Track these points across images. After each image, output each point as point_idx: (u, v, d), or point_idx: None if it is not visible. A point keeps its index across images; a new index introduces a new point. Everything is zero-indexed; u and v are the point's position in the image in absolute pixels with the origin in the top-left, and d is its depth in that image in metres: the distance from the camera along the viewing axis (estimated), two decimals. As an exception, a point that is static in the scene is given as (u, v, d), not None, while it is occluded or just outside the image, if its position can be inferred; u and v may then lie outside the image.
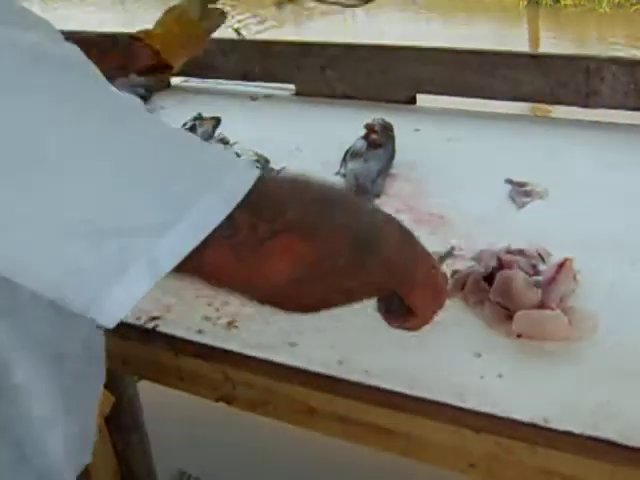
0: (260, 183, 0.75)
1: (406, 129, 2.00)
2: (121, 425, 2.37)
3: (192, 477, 2.52)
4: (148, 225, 0.69)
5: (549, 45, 8.33)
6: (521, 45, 8.38)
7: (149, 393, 2.46)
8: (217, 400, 1.32)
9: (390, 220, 0.91)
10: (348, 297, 0.90)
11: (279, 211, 0.76)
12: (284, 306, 0.86)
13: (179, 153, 0.74)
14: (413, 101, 2.30)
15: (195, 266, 0.73)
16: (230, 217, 0.71)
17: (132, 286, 0.70)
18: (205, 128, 1.94)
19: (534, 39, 9.32)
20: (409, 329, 1.05)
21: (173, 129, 0.77)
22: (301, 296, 0.82)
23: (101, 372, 1.10)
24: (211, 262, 0.73)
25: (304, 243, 0.77)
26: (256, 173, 0.76)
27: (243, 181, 0.74)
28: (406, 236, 0.93)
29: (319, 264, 0.79)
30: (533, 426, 1.06)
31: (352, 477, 2.49)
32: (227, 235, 0.72)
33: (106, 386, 1.96)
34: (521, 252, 1.38)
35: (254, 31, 8.88)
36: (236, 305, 1.36)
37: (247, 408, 1.30)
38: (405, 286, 0.95)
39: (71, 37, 0.81)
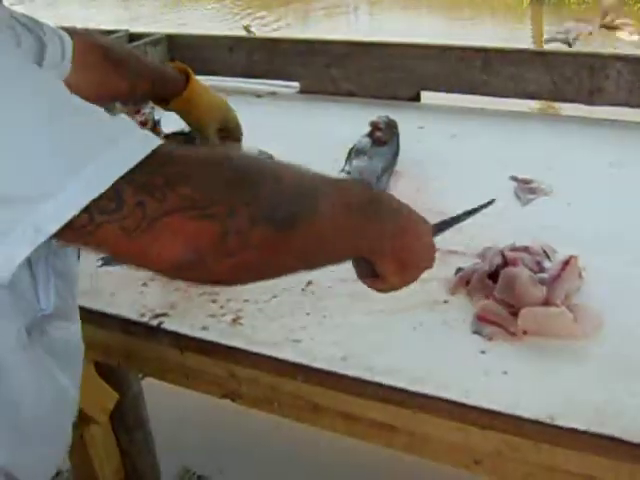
0: (158, 156, 0.73)
1: (410, 126, 2.00)
2: (125, 422, 2.38)
3: (196, 474, 2.52)
4: (30, 193, 0.70)
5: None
6: (525, 43, 8.37)
7: (153, 390, 2.47)
8: (222, 397, 1.32)
9: (330, 193, 0.90)
10: (278, 270, 0.89)
11: (172, 188, 0.73)
12: (197, 282, 0.88)
13: (72, 122, 0.74)
14: (417, 98, 2.30)
15: (85, 238, 0.73)
16: (114, 191, 0.71)
17: (13, 249, 0.71)
18: (209, 125, 1.93)
19: (538, 37, 9.29)
20: (377, 290, 1.08)
21: (75, 99, 0.76)
22: (212, 274, 0.80)
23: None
24: (99, 235, 0.73)
25: (197, 222, 0.74)
26: (152, 144, 0.74)
27: (133, 152, 0.73)
28: (367, 207, 0.94)
29: (221, 243, 0.75)
30: (538, 423, 1.05)
31: (355, 474, 2.49)
32: (111, 210, 0.72)
33: (110, 383, 1.98)
34: (526, 249, 1.37)
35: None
36: (240, 302, 1.36)
37: (252, 405, 1.30)
38: (373, 254, 0.98)
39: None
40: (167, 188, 0.73)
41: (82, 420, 2.26)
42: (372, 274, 1.05)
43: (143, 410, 2.43)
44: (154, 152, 0.73)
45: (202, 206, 0.74)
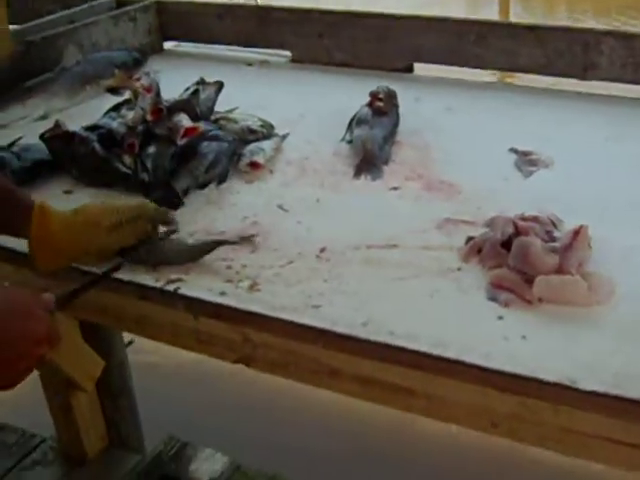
0: None
1: (406, 97, 2.01)
2: (110, 390, 2.38)
3: (180, 441, 2.52)
4: None
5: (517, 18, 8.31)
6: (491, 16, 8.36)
7: (139, 358, 2.48)
8: (235, 362, 1.33)
9: None
10: None
11: None
12: None
13: None
14: (410, 69, 2.31)
15: None
16: None
17: None
18: (208, 92, 1.93)
19: (504, 11, 9.28)
20: None
21: None
22: None
23: None
24: None
25: None
26: None
27: None
28: None
29: None
30: (558, 386, 1.08)
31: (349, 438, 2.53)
32: None
33: (96, 350, 1.98)
34: (535, 219, 1.40)
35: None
36: (256, 268, 1.37)
37: (267, 369, 1.32)
38: None
39: None
40: None
41: (68, 387, 2.27)
42: None
43: (128, 377, 2.44)
44: None
45: None
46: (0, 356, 1.06)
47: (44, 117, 2.05)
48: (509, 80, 2.57)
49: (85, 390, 2.30)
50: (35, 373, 2.15)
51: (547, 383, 1.09)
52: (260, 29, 2.48)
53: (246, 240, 1.45)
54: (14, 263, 1.47)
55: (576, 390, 1.08)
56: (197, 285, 1.35)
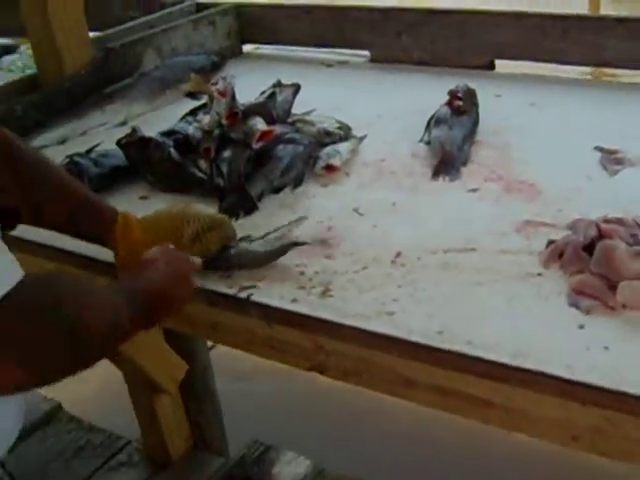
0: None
1: (487, 95, 1.96)
2: (194, 393, 2.39)
3: (264, 445, 2.52)
4: None
5: (610, 9, 8.10)
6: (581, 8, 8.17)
7: (222, 362, 2.48)
8: (309, 369, 1.31)
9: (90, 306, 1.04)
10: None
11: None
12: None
13: None
14: (492, 67, 2.25)
15: None
16: None
17: None
18: (285, 95, 1.91)
19: (594, 5, 9.05)
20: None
21: None
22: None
23: None
24: None
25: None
26: None
27: None
28: (115, 298, 1.10)
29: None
30: (643, 399, 1.03)
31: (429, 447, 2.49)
32: None
33: (179, 354, 1.99)
34: (619, 221, 1.34)
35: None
36: (329, 273, 1.35)
37: (340, 377, 1.29)
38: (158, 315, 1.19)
39: None
40: None
41: (153, 390, 2.29)
42: None
43: (212, 381, 2.45)
44: None
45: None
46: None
47: (124, 123, 2.07)
48: (596, 76, 2.49)
49: (169, 393, 2.34)
50: (121, 376, 2.20)
51: (631, 396, 1.03)
52: (338, 29, 2.45)
53: (322, 242, 1.42)
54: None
55: (663, 404, 1.02)
56: (270, 292, 1.33)
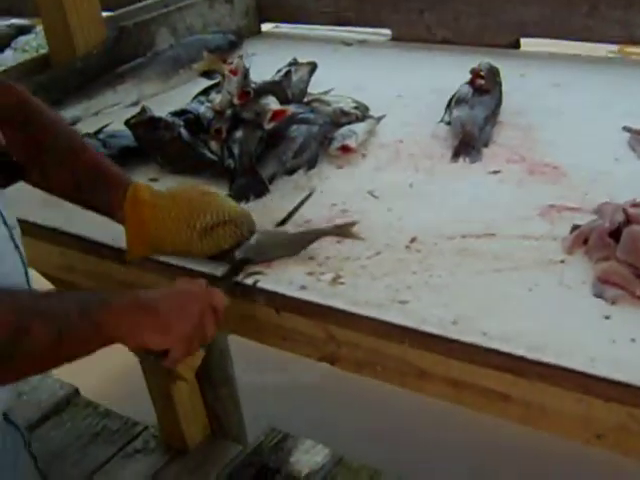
0: None
1: (511, 75, 1.89)
2: (211, 379, 2.36)
3: (282, 433, 2.48)
4: None
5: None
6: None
7: (241, 347, 2.43)
8: (320, 360, 1.25)
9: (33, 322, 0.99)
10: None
11: None
12: None
13: None
14: (517, 45, 2.18)
15: None
16: None
17: None
18: (301, 74, 1.85)
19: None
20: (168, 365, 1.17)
21: None
22: None
23: None
24: None
25: None
26: None
27: None
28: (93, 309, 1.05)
29: None
30: (672, 397, 0.96)
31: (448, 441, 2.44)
32: None
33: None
34: (649, 205, 1.27)
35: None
36: (340, 259, 1.29)
37: (352, 369, 1.23)
38: (131, 337, 1.09)
39: None
40: None
41: (169, 376, 2.25)
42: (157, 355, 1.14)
43: (229, 367, 2.41)
44: None
45: None
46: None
47: (136, 103, 2.01)
48: (625, 54, 2.40)
49: (185, 379, 2.29)
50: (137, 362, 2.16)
51: (659, 393, 0.97)
52: (359, 7, 2.39)
53: (346, 229, 1.34)
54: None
55: (693, 401, 0.95)
56: (278, 278, 1.27)
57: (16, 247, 1.15)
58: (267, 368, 2.80)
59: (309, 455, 2.42)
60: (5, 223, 1.13)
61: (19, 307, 1.00)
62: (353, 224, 1.33)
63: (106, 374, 2.87)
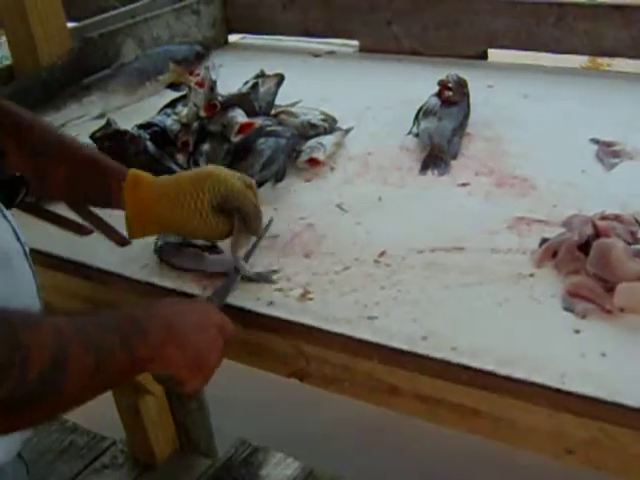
0: None
1: (479, 86, 1.90)
2: (180, 393, 2.32)
3: (252, 446, 2.46)
4: None
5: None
6: None
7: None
8: (289, 376, 1.24)
9: (77, 355, 0.91)
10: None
11: None
12: None
13: None
14: (485, 56, 2.18)
15: None
16: None
17: None
18: (268, 86, 1.84)
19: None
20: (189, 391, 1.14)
21: None
22: None
23: None
24: None
25: None
26: None
27: None
28: (127, 333, 0.99)
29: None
30: (642, 411, 0.96)
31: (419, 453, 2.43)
32: None
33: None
34: (617, 218, 1.26)
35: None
36: (308, 275, 1.27)
37: (321, 385, 1.21)
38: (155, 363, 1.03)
39: None
40: None
41: (136, 390, 2.23)
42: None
43: (198, 380, 2.38)
44: None
45: None
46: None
47: (102, 115, 1.99)
48: (595, 65, 2.41)
49: (153, 393, 2.27)
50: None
51: (629, 408, 0.96)
52: (327, 18, 2.38)
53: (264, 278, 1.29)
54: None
55: (663, 416, 0.95)
56: (245, 294, 1.25)
57: (30, 265, 1.11)
58: (236, 381, 2.77)
59: (280, 468, 2.40)
60: (19, 239, 1.10)
61: (57, 330, 0.91)
62: (274, 272, 1.30)
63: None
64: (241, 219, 1.28)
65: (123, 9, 2.40)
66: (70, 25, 2.21)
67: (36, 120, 1.34)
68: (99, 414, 2.53)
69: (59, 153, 1.29)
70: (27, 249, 1.11)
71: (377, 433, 2.53)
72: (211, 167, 1.35)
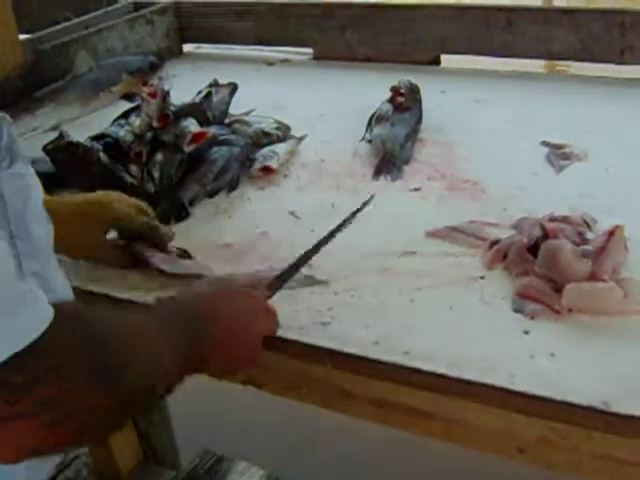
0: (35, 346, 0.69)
1: (432, 91, 1.91)
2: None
3: (216, 455, 2.45)
4: None
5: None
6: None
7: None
8: (245, 383, 1.24)
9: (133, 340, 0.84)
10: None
11: (27, 392, 0.69)
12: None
13: None
14: (437, 62, 2.20)
15: None
16: None
17: None
18: (221, 95, 1.84)
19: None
20: None
21: None
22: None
23: None
24: None
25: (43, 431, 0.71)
26: (34, 332, 0.69)
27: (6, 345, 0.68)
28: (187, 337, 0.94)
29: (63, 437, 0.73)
30: (591, 410, 0.97)
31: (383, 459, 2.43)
32: None
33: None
34: (565, 219, 1.28)
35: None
36: (262, 282, 1.27)
37: (277, 392, 1.22)
38: (212, 368, 1.02)
39: None
40: (22, 391, 0.69)
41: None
42: None
43: (160, 391, 2.37)
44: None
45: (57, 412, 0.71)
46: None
47: (56, 127, 1.97)
48: (550, 69, 2.44)
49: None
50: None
51: (577, 406, 0.97)
52: (280, 27, 2.39)
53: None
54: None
55: (611, 414, 0.96)
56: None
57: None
58: (198, 391, 2.76)
59: (244, 477, 2.39)
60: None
61: (148, 325, 0.89)
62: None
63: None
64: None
65: (76, 20, 2.39)
66: (22, 37, 2.20)
67: None
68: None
69: None
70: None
71: (343, 441, 2.53)
72: (100, 194, 1.36)
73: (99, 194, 1.36)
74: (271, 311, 1.14)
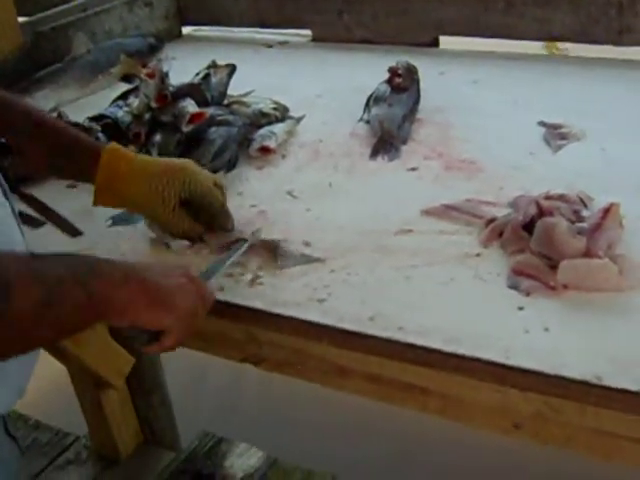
0: None
1: (430, 72, 1.91)
2: (142, 386, 2.33)
3: (216, 437, 2.46)
4: None
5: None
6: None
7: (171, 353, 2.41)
8: (242, 361, 1.25)
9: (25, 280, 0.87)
10: None
11: None
12: None
13: None
14: (436, 43, 2.20)
15: None
16: None
17: None
18: (220, 76, 1.84)
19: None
20: (167, 349, 1.09)
21: None
22: None
23: None
24: None
25: None
26: None
27: None
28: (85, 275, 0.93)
29: None
30: (584, 384, 0.98)
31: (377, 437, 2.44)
32: None
33: (126, 347, 1.92)
34: (561, 197, 1.29)
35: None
36: (258, 261, 1.28)
37: (275, 369, 1.22)
38: (126, 314, 0.97)
39: None
40: None
41: (98, 384, 2.22)
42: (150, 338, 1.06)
43: (160, 373, 2.38)
44: None
45: None
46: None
47: (54, 109, 1.98)
48: (549, 50, 2.44)
49: (115, 387, 2.27)
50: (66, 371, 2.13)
51: (572, 380, 0.98)
52: (279, 9, 2.39)
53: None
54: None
55: (604, 388, 0.97)
56: (196, 280, 1.26)
57: (18, 225, 1.11)
58: (197, 373, 2.78)
59: (243, 458, 2.40)
60: (7, 197, 1.09)
61: (5, 263, 0.88)
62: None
63: (34, 386, 2.82)
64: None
65: (75, 2, 2.38)
66: (21, 20, 2.20)
67: (18, 100, 1.35)
68: (62, 410, 2.53)
69: (37, 129, 1.29)
70: (16, 210, 1.12)
71: (343, 420, 2.54)
72: (186, 161, 1.36)
73: (183, 160, 1.37)
74: (203, 294, 1.10)
